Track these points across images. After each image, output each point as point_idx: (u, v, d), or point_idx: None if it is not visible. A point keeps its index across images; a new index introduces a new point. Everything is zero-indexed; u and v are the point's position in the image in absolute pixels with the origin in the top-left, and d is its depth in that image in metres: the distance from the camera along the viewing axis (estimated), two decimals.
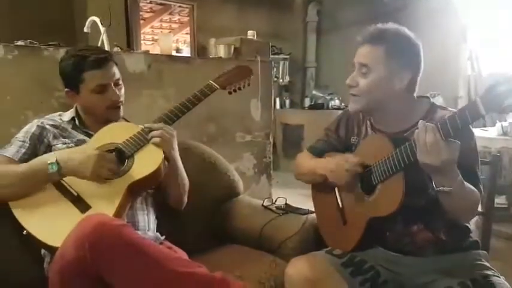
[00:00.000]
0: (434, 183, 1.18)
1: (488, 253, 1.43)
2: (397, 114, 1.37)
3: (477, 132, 1.25)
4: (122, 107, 1.58)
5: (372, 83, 1.33)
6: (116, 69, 1.56)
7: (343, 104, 5.74)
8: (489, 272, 1.29)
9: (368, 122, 1.48)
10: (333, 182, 1.43)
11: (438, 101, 2.59)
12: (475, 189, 1.24)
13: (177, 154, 1.55)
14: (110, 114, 1.56)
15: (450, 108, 1.38)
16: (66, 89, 1.56)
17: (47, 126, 1.54)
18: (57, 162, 1.36)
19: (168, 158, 1.50)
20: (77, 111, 1.61)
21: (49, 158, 1.38)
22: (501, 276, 1.29)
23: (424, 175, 1.22)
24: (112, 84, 1.53)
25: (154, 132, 1.48)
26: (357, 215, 1.39)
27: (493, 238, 1.68)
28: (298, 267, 1.35)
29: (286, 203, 1.85)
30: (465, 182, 1.19)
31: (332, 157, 1.47)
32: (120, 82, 1.58)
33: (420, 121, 1.15)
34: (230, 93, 1.71)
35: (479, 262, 1.34)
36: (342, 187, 1.45)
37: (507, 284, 1.26)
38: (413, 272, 1.35)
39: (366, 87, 1.34)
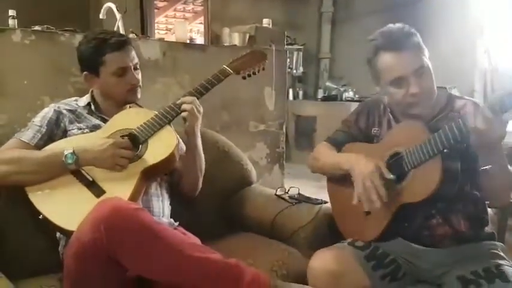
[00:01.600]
0: (482, 162, 1.20)
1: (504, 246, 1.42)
2: (425, 106, 1.36)
3: None
4: (140, 90, 1.60)
5: (433, 80, 1.33)
6: (134, 54, 1.58)
7: (356, 96, 5.69)
8: (502, 262, 1.29)
9: (389, 113, 1.47)
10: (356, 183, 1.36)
11: (455, 93, 2.56)
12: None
13: (198, 131, 1.58)
14: (128, 96, 1.57)
15: (467, 97, 1.38)
16: (85, 73, 1.57)
17: (64, 111, 1.55)
18: (75, 153, 1.37)
19: (191, 133, 1.54)
20: (92, 96, 1.62)
21: (66, 147, 1.39)
22: None
23: (457, 163, 1.23)
24: (132, 67, 1.55)
25: (185, 105, 1.51)
26: (384, 204, 1.35)
27: (509, 232, 1.67)
28: (323, 261, 1.34)
29: (299, 193, 1.85)
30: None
31: (358, 154, 1.40)
32: (138, 66, 1.60)
33: (469, 102, 1.19)
34: (244, 78, 1.69)
35: (493, 251, 1.34)
36: None
37: None
38: (430, 263, 1.34)
39: (431, 87, 1.33)
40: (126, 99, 1.58)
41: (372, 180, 1.28)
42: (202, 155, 1.64)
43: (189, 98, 1.53)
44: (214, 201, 1.86)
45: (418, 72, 1.30)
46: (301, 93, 6.45)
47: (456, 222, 1.34)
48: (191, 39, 3.31)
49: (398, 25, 1.35)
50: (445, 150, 1.22)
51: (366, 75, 1.41)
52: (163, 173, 1.58)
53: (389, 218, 1.35)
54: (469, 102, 1.35)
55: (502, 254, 1.34)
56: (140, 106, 1.70)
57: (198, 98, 1.57)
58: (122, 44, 1.53)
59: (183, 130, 1.58)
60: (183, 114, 1.52)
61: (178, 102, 1.54)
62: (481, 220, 1.39)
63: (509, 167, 1.23)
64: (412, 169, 1.30)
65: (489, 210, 1.46)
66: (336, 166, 1.46)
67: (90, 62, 1.54)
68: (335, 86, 5.99)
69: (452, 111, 1.35)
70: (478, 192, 1.38)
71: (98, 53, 1.51)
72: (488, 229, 1.40)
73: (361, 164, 1.34)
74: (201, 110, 1.55)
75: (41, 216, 1.35)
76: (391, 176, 1.29)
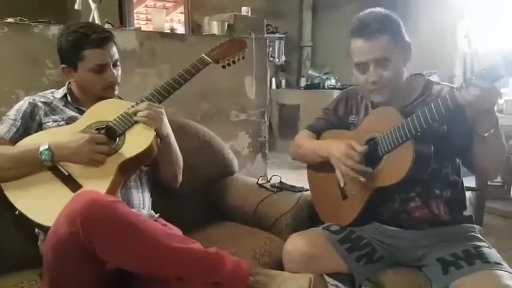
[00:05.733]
0: (479, 130, 1.21)
1: (481, 228, 1.45)
2: (399, 92, 1.38)
3: None
4: (117, 87, 1.56)
5: (394, 72, 1.34)
6: (115, 50, 1.54)
7: (339, 84, 5.71)
8: (481, 244, 1.32)
9: (367, 101, 1.49)
10: (336, 167, 1.40)
11: (434, 79, 2.58)
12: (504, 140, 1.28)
13: (169, 130, 1.53)
14: (105, 93, 1.54)
15: (444, 83, 1.40)
16: (62, 65, 1.53)
17: (39, 104, 1.52)
18: (50, 150, 1.35)
19: (160, 136, 1.48)
20: (69, 88, 1.59)
21: (41, 142, 1.37)
22: (493, 249, 1.32)
23: (429, 147, 1.25)
24: (111, 65, 1.51)
25: (140, 113, 1.44)
26: (359, 189, 1.39)
27: (487, 215, 1.70)
28: (296, 243, 1.39)
29: (280, 181, 1.85)
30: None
31: (335, 140, 1.44)
32: (118, 63, 1.56)
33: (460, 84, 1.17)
34: (224, 67, 1.67)
35: (472, 234, 1.37)
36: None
37: (498, 255, 1.28)
38: (408, 245, 1.37)
39: (390, 77, 1.34)
40: (103, 95, 1.54)
41: (347, 158, 1.33)
42: (178, 151, 1.60)
43: (141, 105, 1.46)
44: (196, 192, 1.85)
45: (379, 62, 1.33)
46: (284, 82, 6.45)
47: (435, 205, 1.37)
48: (172, 29, 3.28)
49: (375, 11, 1.36)
50: (418, 134, 1.23)
51: (348, 63, 1.42)
52: (142, 165, 1.56)
53: (364, 202, 1.38)
54: (445, 87, 1.37)
55: (480, 236, 1.37)
56: (119, 97, 1.67)
57: (176, 89, 1.54)
58: (103, 40, 1.48)
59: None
60: (139, 120, 1.43)
61: (130, 111, 1.45)
62: (459, 204, 1.42)
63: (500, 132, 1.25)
64: (386, 154, 1.32)
65: (467, 193, 1.49)
66: (315, 153, 1.50)
67: (68, 55, 1.50)
68: (317, 74, 6.00)
69: (429, 97, 1.36)
70: (458, 177, 1.41)
71: (77, 48, 1.47)
72: (466, 212, 1.43)
73: (335, 147, 1.39)
74: (162, 109, 1.48)
75: (17, 212, 1.33)
76: (364, 148, 1.34)
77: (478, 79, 1.10)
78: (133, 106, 1.49)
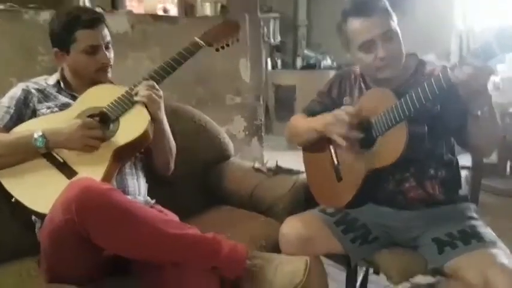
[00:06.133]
0: (473, 108, 1.20)
1: (477, 207, 1.45)
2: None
3: None
4: (110, 69, 1.55)
5: (400, 44, 1.33)
6: (107, 32, 1.53)
7: (335, 63, 5.68)
8: (476, 223, 1.33)
9: (361, 81, 1.48)
10: (330, 135, 1.40)
11: (430, 57, 2.56)
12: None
13: (163, 116, 1.52)
14: (98, 76, 1.53)
15: (437, 63, 1.39)
16: (55, 49, 1.52)
17: (32, 90, 1.51)
18: (44, 136, 1.35)
19: (154, 119, 1.47)
20: (62, 74, 1.57)
21: (35, 129, 1.36)
22: (488, 228, 1.33)
23: (423, 127, 1.25)
24: (103, 46, 1.50)
25: (141, 93, 1.44)
26: (354, 171, 1.39)
27: (483, 194, 1.70)
28: (292, 226, 1.40)
29: (277, 165, 1.85)
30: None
31: (327, 114, 1.44)
32: (110, 45, 1.55)
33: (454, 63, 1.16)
34: (217, 50, 1.65)
35: (467, 213, 1.38)
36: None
37: (494, 234, 1.29)
38: (403, 225, 1.38)
39: (399, 50, 1.34)
40: (96, 78, 1.53)
41: (339, 120, 1.34)
42: (171, 138, 1.60)
43: (144, 85, 1.46)
44: (193, 177, 1.86)
45: (386, 36, 1.31)
46: (279, 62, 6.40)
47: (429, 185, 1.38)
48: (165, 9, 3.23)
49: None
50: (411, 115, 1.23)
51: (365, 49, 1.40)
52: (137, 152, 1.55)
53: (359, 183, 1.38)
54: (438, 66, 1.36)
55: (475, 215, 1.38)
56: (111, 82, 1.66)
57: (170, 73, 1.52)
58: (94, 21, 1.48)
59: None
60: (138, 100, 1.44)
61: (133, 91, 1.46)
62: (454, 183, 1.42)
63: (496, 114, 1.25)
64: (380, 135, 1.32)
65: (463, 171, 1.49)
66: (310, 129, 1.49)
67: (60, 38, 1.49)
68: (313, 54, 5.96)
69: (422, 76, 1.35)
70: (452, 156, 1.42)
71: (69, 29, 1.46)
72: (461, 192, 1.43)
73: (327, 118, 1.39)
74: (161, 93, 1.48)
75: (13, 199, 1.34)
76: (350, 109, 1.35)
77: (472, 57, 1.10)
78: (131, 89, 1.47)
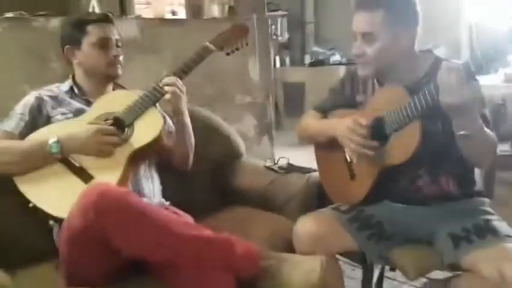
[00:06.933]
0: (455, 128, 1.18)
1: (491, 200, 1.44)
2: (404, 70, 1.36)
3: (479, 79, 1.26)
4: (120, 66, 1.59)
5: (379, 50, 1.31)
6: (116, 32, 1.59)
7: (344, 59, 5.65)
8: (491, 217, 1.32)
9: (374, 79, 1.47)
10: (344, 145, 1.40)
11: (441, 52, 2.53)
12: (492, 133, 1.26)
13: (185, 109, 1.57)
14: (109, 71, 1.56)
15: (455, 61, 1.37)
16: (66, 47, 1.57)
17: (45, 98, 1.54)
18: (59, 142, 1.37)
19: (177, 112, 1.54)
20: (74, 79, 1.60)
21: (50, 135, 1.38)
22: (503, 221, 1.32)
23: (437, 125, 1.25)
24: (114, 40, 1.56)
25: (167, 88, 1.50)
26: (366, 167, 1.39)
27: (497, 185, 1.69)
28: (305, 225, 1.40)
29: (288, 163, 1.86)
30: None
31: (342, 118, 1.44)
32: (120, 44, 1.60)
33: (443, 62, 1.14)
34: (228, 54, 1.68)
35: (482, 208, 1.37)
36: None
37: (509, 227, 1.28)
38: (418, 222, 1.37)
39: (374, 55, 1.32)
40: (107, 72, 1.56)
41: (353, 133, 1.32)
42: (191, 132, 1.64)
43: (171, 79, 1.51)
44: (205, 177, 1.86)
45: (365, 37, 1.31)
46: (288, 59, 6.39)
47: (444, 181, 1.37)
48: (173, 12, 3.25)
49: None
50: (424, 112, 1.22)
51: (353, 38, 1.39)
52: (151, 154, 1.58)
53: (372, 180, 1.38)
54: (454, 65, 1.34)
55: (490, 209, 1.37)
56: (124, 88, 1.68)
57: (182, 78, 1.55)
58: (104, 17, 1.58)
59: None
60: (166, 96, 1.50)
61: (161, 84, 1.52)
62: (468, 178, 1.41)
63: (486, 130, 1.23)
64: (393, 132, 1.31)
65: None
66: (322, 133, 1.50)
67: (72, 33, 1.55)
68: (322, 51, 5.93)
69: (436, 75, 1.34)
70: None
71: (80, 26, 1.53)
72: (476, 186, 1.42)
73: (341, 124, 1.38)
74: (184, 89, 1.54)
75: (30, 205, 1.36)
76: (368, 121, 1.33)
77: (484, 57, 1.07)
78: (140, 97, 1.51)
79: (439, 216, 1.35)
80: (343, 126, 1.37)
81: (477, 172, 1.46)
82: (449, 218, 1.34)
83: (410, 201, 1.39)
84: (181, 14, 4.86)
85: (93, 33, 1.53)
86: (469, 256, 1.21)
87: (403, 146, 1.28)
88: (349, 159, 1.46)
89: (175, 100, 1.51)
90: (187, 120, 1.61)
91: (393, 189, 1.40)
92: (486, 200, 1.42)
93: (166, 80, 1.52)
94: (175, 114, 1.56)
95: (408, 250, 1.37)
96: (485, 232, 1.25)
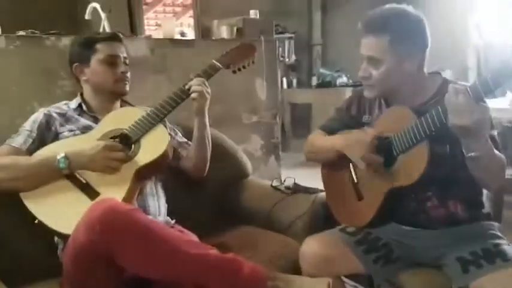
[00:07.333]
0: (465, 149, 1.17)
1: (500, 224, 1.43)
2: (411, 92, 1.36)
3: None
4: (128, 83, 1.61)
5: (385, 73, 1.32)
6: (124, 50, 1.63)
7: (351, 81, 5.67)
8: (500, 241, 1.31)
9: (381, 99, 1.47)
10: (350, 156, 1.39)
11: (447, 74, 2.53)
12: (502, 155, 1.25)
13: (206, 110, 1.62)
14: (117, 87, 1.59)
15: (462, 82, 1.37)
16: (75, 64, 1.60)
17: (54, 114, 1.55)
18: (67, 158, 1.38)
19: (200, 112, 1.59)
20: (82, 97, 1.62)
21: (58, 151, 1.39)
22: None
23: (445, 147, 1.24)
24: (121, 58, 1.59)
25: (195, 87, 1.54)
26: (374, 189, 1.38)
27: (505, 209, 1.67)
28: (312, 246, 1.39)
29: (295, 183, 1.85)
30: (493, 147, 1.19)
31: (349, 133, 1.45)
32: (128, 62, 1.63)
33: (450, 85, 1.14)
34: (234, 72, 1.70)
35: (491, 232, 1.35)
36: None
37: None
38: (426, 244, 1.36)
39: (380, 78, 1.33)
40: (115, 89, 1.59)
41: (358, 144, 1.33)
42: (210, 135, 1.68)
43: (199, 80, 1.56)
44: (211, 196, 1.86)
45: (371, 61, 1.33)
46: (295, 81, 6.42)
47: (452, 204, 1.35)
48: (182, 33, 3.29)
49: (385, 9, 1.34)
50: (432, 134, 1.21)
51: (359, 60, 1.41)
52: (157, 171, 1.58)
53: (380, 202, 1.37)
54: (462, 87, 1.34)
55: (499, 233, 1.35)
56: (131, 105, 1.70)
57: (184, 100, 1.58)
58: (112, 36, 1.62)
59: (183, 119, 1.62)
60: (193, 95, 1.54)
61: (187, 86, 1.56)
62: (477, 202, 1.40)
63: (495, 152, 1.22)
64: (400, 154, 1.31)
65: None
66: (329, 148, 1.49)
67: (81, 51, 1.59)
68: (329, 72, 5.96)
69: (444, 96, 1.34)
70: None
71: (89, 44, 1.57)
72: (484, 210, 1.41)
73: (347, 136, 1.40)
74: (209, 90, 1.58)
75: (36, 221, 1.35)
76: (370, 131, 1.35)
77: (494, 75, 1.07)
78: (147, 113, 1.53)
79: (447, 240, 1.34)
80: (350, 137, 1.39)
81: (485, 196, 1.45)
82: (457, 242, 1.32)
83: (418, 224, 1.37)
84: (190, 36, 4.95)
85: (101, 50, 1.56)
86: (478, 281, 1.19)
87: (410, 167, 1.27)
88: (355, 180, 1.45)
89: (201, 100, 1.55)
90: (207, 121, 1.65)
91: (400, 212, 1.38)
92: (495, 223, 1.40)
93: (194, 81, 1.56)
94: (198, 114, 1.60)
95: (416, 274, 1.35)
96: (495, 256, 1.23)
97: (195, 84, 1.55)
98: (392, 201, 1.35)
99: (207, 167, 1.70)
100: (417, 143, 1.25)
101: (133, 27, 4.15)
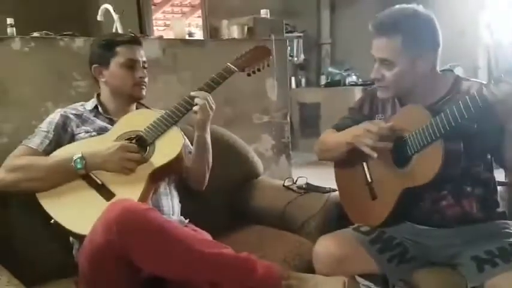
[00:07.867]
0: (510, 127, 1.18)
1: None
2: (424, 91, 1.36)
3: None
4: (145, 88, 1.62)
5: (398, 74, 1.32)
6: (143, 53, 1.63)
7: (360, 80, 5.65)
8: None
9: (394, 99, 1.47)
10: (359, 146, 1.36)
11: (458, 72, 2.53)
12: None
13: (208, 127, 1.59)
14: (134, 91, 1.59)
15: (474, 79, 1.37)
16: (94, 65, 1.60)
17: (70, 116, 1.57)
18: (84, 158, 1.39)
19: (201, 127, 1.56)
20: (99, 98, 1.63)
21: (75, 152, 1.41)
22: None
23: (459, 145, 1.23)
24: (141, 62, 1.60)
25: (198, 100, 1.51)
26: (388, 189, 1.38)
27: None
28: (325, 246, 1.39)
29: (307, 182, 1.85)
30: None
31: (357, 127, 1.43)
32: (146, 66, 1.64)
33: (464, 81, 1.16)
34: (249, 75, 1.69)
35: (506, 230, 1.34)
36: (373, 160, 1.40)
37: None
38: (441, 243, 1.36)
39: (393, 79, 1.33)
40: (132, 93, 1.59)
41: (368, 132, 1.32)
42: (210, 151, 1.65)
43: (202, 93, 1.54)
44: (223, 196, 1.87)
45: (383, 62, 1.33)
46: (303, 80, 6.42)
47: (467, 203, 1.35)
48: (190, 33, 3.30)
49: (395, 10, 1.34)
50: (447, 133, 1.21)
51: (368, 59, 1.41)
52: (172, 173, 1.59)
53: (394, 202, 1.36)
54: (475, 83, 1.34)
55: None
56: (147, 107, 1.71)
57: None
58: (133, 40, 1.61)
59: (190, 127, 1.59)
60: (195, 108, 1.52)
61: (192, 94, 1.54)
62: (492, 201, 1.39)
63: None
64: (415, 153, 1.30)
65: (499, 187, 1.46)
66: (340, 143, 1.47)
67: (102, 53, 1.58)
68: (338, 71, 5.95)
69: (458, 93, 1.34)
70: (490, 173, 1.39)
71: (110, 46, 1.57)
72: (499, 209, 1.40)
73: (357, 130, 1.39)
74: (214, 106, 1.55)
75: (52, 221, 1.37)
76: (382, 123, 1.34)
77: (507, 75, 1.08)
78: (162, 116, 1.53)
79: (462, 239, 1.33)
80: (359, 127, 1.38)
81: (499, 194, 1.44)
82: (472, 241, 1.31)
83: (433, 223, 1.37)
84: (198, 36, 4.96)
85: (121, 53, 1.56)
86: (494, 279, 1.19)
87: (425, 167, 1.27)
88: (369, 179, 1.45)
89: (203, 114, 1.52)
90: (208, 138, 1.62)
91: (415, 211, 1.38)
92: (510, 222, 1.39)
93: (197, 93, 1.54)
94: (198, 128, 1.57)
95: (431, 273, 1.35)
96: (510, 255, 1.23)
97: (200, 97, 1.52)
98: (406, 200, 1.35)
99: (206, 182, 1.68)
100: (432, 141, 1.24)
101: (143, 27, 4.17)
